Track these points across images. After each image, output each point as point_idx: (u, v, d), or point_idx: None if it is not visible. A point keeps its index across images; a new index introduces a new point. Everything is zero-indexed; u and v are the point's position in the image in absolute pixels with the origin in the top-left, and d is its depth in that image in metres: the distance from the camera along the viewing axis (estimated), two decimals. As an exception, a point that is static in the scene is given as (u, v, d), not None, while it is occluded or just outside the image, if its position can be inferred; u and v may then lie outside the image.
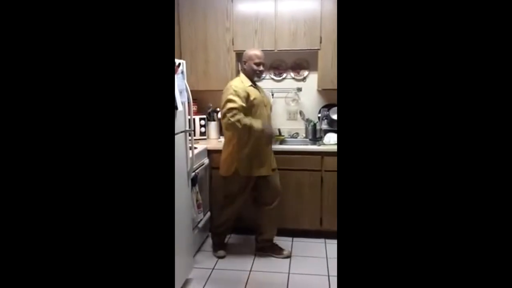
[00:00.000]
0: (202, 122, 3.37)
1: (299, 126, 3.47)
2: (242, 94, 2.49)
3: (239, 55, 3.24)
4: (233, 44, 3.19)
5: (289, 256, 2.81)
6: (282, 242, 2.95)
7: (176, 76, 2.12)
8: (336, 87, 2.98)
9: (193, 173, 2.54)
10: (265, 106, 2.68)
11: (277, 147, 2.97)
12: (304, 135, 3.43)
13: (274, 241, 2.87)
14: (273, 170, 2.73)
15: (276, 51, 3.17)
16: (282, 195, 2.81)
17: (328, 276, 2.54)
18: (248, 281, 2.52)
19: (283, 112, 3.52)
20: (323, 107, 3.42)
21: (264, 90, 2.86)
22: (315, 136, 3.24)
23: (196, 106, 3.37)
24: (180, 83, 2.19)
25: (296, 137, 3.44)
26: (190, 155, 2.38)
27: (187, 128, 2.34)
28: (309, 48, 3.12)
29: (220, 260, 2.79)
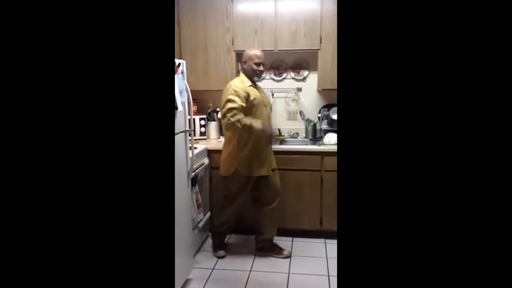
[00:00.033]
0: (202, 122, 3.37)
1: (299, 126, 3.47)
2: (242, 94, 2.49)
3: (239, 55, 3.24)
4: (233, 44, 3.19)
5: (289, 256, 2.81)
6: (282, 242, 2.95)
7: (176, 76, 2.12)
8: (336, 87, 2.98)
9: (193, 173, 2.55)
10: (265, 106, 2.68)
11: (277, 147, 2.97)
12: (304, 135, 3.43)
13: (274, 241, 2.87)
14: (273, 170, 2.73)
15: (276, 51, 3.17)
16: (282, 195, 2.81)
17: (328, 276, 2.54)
18: (248, 281, 2.52)
19: (283, 112, 3.52)
20: (323, 107, 3.42)
21: (264, 90, 2.86)
22: (315, 136, 3.24)
23: (196, 106, 3.37)
24: (180, 83, 2.19)
25: (296, 137, 3.44)
26: (190, 155, 2.38)
27: (187, 128, 2.34)
28: (309, 48, 3.12)
29: (220, 260, 2.79)
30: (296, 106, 3.49)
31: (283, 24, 3.10)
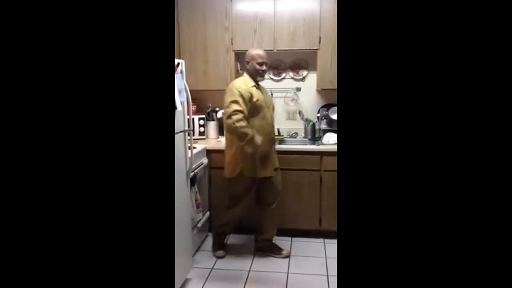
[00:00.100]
0: (201, 122, 3.36)
1: (298, 126, 3.47)
2: (246, 95, 2.50)
3: (238, 55, 3.24)
4: (232, 44, 3.19)
5: (288, 256, 2.81)
6: (281, 242, 2.96)
7: (175, 76, 2.12)
8: (335, 87, 2.99)
9: (192, 173, 2.54)
10: (268, 107, 2.66)
11: (276, 147, 2.97)
12: (303, 135, 3.43)
13: (274, 241, 2.88)
14: (275, 169, 2.73)
15: (275, 51, 3.17)
16: (282, 195, 2.81)
17: (327, 276, 2.54)
18: (247, 280, 2.52)
19: (282, 112, 3.52)
20: (322, 107, 3.42)
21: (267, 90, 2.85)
22: (314, 136, 3.25)
23: (195, 106, 3.37)
24: (179, 83, 2.19)
25: (295, 137, 3.44)
26: (189, 154, 2.38)
27: (186, 128, 2.34)
28: (308, 48, 3.13)
29: (219, 260, 2.79)
30: (295, 106, 3.49)
31: (282, 23, 3.10)
